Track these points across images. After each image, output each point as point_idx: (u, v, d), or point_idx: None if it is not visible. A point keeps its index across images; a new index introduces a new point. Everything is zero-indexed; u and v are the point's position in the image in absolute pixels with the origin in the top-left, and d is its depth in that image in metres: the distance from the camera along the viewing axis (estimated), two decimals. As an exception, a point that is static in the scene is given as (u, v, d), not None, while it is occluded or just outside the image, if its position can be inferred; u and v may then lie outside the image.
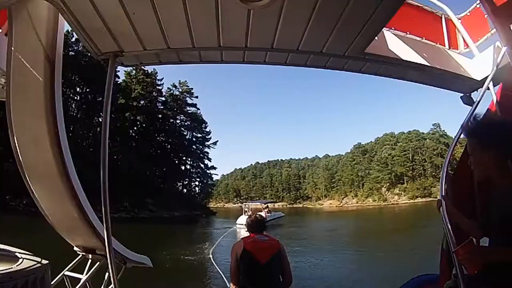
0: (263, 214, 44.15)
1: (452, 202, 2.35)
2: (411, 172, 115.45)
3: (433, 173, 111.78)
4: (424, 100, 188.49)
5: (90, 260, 3.60)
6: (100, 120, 61.51)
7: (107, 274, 3.41)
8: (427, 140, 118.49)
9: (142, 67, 65.68)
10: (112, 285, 2.80)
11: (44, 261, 2.82)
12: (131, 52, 2.89)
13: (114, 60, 2.87)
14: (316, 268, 16.06)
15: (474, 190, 2.64)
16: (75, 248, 3.62)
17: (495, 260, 1.62)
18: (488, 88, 2.78)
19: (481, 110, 2.46)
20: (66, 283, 3.49)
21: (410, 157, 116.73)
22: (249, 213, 44.87)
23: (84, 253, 3.60)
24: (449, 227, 2.10)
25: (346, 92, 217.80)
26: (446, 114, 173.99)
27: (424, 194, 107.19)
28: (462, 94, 3.68)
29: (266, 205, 50.94)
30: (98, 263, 3.54)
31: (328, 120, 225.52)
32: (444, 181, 2.52)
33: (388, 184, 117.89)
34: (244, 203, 58.47)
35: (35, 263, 2.61)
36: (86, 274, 3.47)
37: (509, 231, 1.68)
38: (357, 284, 13.56)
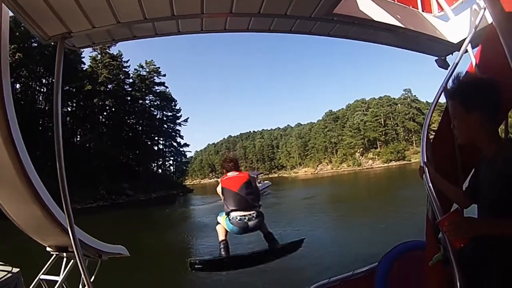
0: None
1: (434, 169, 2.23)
2: (383, 136, 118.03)
3: (406, 137, 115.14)
4: (395, 67, 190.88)
5: (65, 259, 3.44)
6: (69, 109, 60.34)
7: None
8: (399, 105, 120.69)
9: (107, 49, 65.06)
10: (89, 280, 2.66)
11: (15, 269, 2.67)
12: (80, 32, 2.65)
13: (62, 43, 2.63)
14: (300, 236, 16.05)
15: (456, 156, 2.56)
16: (48, 249, 3.44)
17: (483, 233, 1.48)
18: (467, 51, 2.69)
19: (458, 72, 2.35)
20: (43, 287, 3.33)
21: (382, 122, 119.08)
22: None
23: (57, 252, 3.43)
24: (434, 195, 1.96)
25: (315, 61, 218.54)
26: (417, 80, 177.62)
27: (398, 158, 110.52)
28: (436, 58, 3.59)
29: (256, 176, 52.01)
30: (72, 261, 3.39)
31: (298, 89, 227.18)
32: (425, 146, 2.39)
33: (361, 149, 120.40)
34: None
35: (5, 273, 2.45)
36: (61, 275, 3.31)
37: (498, 201, 1.56)
38: (344, 247, 13.72)
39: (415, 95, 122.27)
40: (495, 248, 1.55)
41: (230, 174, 5.63)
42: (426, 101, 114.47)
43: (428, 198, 2.12)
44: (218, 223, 5.71)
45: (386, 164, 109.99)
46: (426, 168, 2.18)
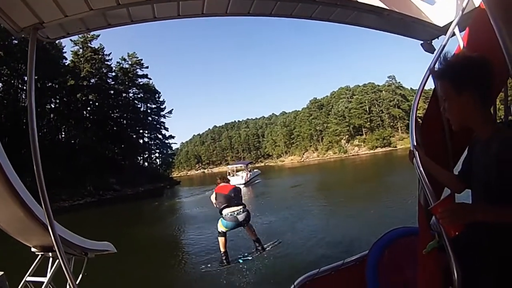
0: (244, 173, 50.68)
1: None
2: (369, 123, 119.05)
3: (391, 124, 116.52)
4: (379, 54, 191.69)
5: (51, 259, 3.36)
6: (53, 106, 59.63)
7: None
8: (383, 92, 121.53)
9: (88, 43, 64.28)
10: (74, 279, 2.59)
11: None
12: (53, 21, 2.53)
13: (35, 34, 2.51)
14: (292, 224, 15.97)
15: (445, 141, 2.52)
16: (33, 249, 3.35)
17: (478, 219, 1.41)
18: (454, 34, 2.65)
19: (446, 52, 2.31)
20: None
21: (367, 109, 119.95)
22: (232, 174, 50.56)
23: (42, 253, 3.34)
24: (426, 179, 1.89)
25: (297, 49, 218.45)
26: (401, 67, 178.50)
27: (384, 144, 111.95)
28: (422, 42, 3.55)
29: (246, 165, 57.28)
30: (57, 260, 3.31)
31: (282, 78, 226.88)
32: (414, 130, 2.32)
33: (347, 136, 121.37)
34: (229, 166, 65.07)
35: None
36: (47, 276, 3.22)
37: (493, 186, 1.51)
38: (336, 228, 13.84)
39: (399, 82, 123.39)
40: (492, 236, 1.52)
41: (221, 184, 8.36)
42: (411, 88, 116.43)
43: (420, 183, 2.06)
44: (218, 232, 7.85)
45: (372, 151, 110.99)
46: (416, 152, 2.10)
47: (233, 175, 50.98)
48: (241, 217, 7.58)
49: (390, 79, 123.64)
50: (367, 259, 2.83)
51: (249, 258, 8.51)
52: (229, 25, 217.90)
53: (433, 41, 3.44)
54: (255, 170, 62.39)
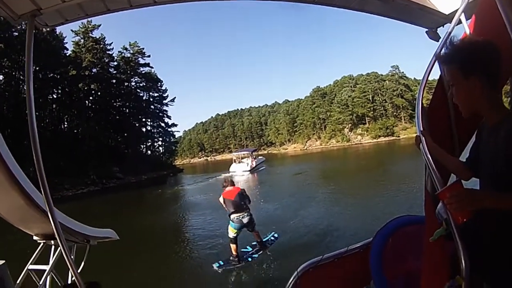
0: (249, 160, 51.38)
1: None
2: (372, 112, 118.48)
3: (394, 113, 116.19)
4: (382, 42, 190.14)
5: (53, 247, 3.34)
6: (55, 96, 59.66)
7: (72, 257, 3.22)
8: (386, 81, 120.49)
9: (89, 33, 64.05)
10: (75, 266, 2.57)
11: (0, 261, 2.57)
12: (50, 7, 2.46)
13: (33, 21, 2.45)
14: (297, 211, 15.89)
15: (451, 128, 2.48)
16: (35, 237, 3.34)
17: (487, 206, 1.35)
18: (460, 21, 2.59)
19: (452, 37, 2.26)
20: (33, 277, 3.23)
21: (370, 98, 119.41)
22: (238, 161, 52.53)
23: (44, 241, 3.33)
24: (433, 165, 1.84)
25: (301, 38, 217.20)
26: (404, 57, 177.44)
27: (387, 134, 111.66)
28: (427, 30, 3.48)
29: (251, 153, 57.90)
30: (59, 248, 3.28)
31: (285, 66, 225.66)
32: (420, 115, 2.27)
33: (350, 125, 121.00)
34: (234, 153, 65.77)
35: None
36: (50, 263, 3.21)
37: (501, 174, 1.46)
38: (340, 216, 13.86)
39: (403, 72, 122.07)
40: (500, 223, 1.47)
41: (227, 188, 9.46)
42: (414, 78, 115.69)
43: (426, 169, 2.02)
44: (229, 238, 9.26)
45: (375, 140, 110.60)
46: (423, 137, 2.05)
47: (239, 162, 52.18)
48: (245, 220, 9.15)
49: (394, 69, 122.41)
50: (371, 246, 2.81)
51: (255, 256, 9.70)
52: (231, 8, 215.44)
53: (438, 29, 3.37)
54: (259, 157, 63.10)
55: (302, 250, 9.80)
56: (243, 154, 59.48)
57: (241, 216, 9.08)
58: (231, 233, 9.16)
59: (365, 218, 12.24)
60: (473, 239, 1.56)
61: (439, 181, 1.74)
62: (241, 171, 45.72)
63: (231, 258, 9.31)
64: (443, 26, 3.29)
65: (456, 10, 2.69)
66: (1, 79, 49.93)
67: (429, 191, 2.13)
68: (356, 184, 24.61)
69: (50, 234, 3.21)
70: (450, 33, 2.62)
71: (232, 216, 9.10)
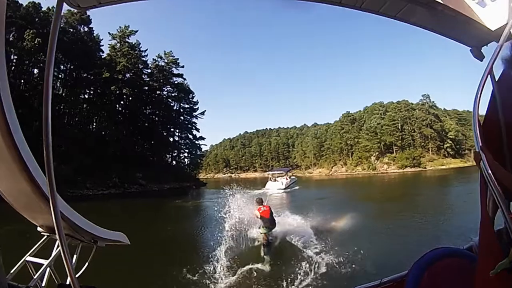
0: (284, 179, 53.89)
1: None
2: (400, 141, 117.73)
3: (422, 144, 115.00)
4: (413, 71, 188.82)
5: (57, 242, 3.16)
6: (87, 96, 61.31)
7: (75, 256, 3.12)
8: (416, 110, 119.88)
9: (126, 38, 65.82)
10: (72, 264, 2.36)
11: None
12: None
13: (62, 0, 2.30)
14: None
15: (503, 143, 2.22)
16: (39, 229, 3.16)
17: None
18: (509, 38, 2.37)
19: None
20: (30, 270, 3.04)
21: (399, 126, 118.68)
22: (273, 179, 55.20)
23: (48, 234, 3.15)
24: (495, 183, 1.64)
25: (334, 61, 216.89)
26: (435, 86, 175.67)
27: (413, 164, 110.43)
28: (471, 48, 3.24)
29: (286, 172, 61.87)
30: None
31: (316, 89, 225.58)
32: (478, 132, 2.06)
33: (377, 153, 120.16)
34: (268, 172, 70.64)
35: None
36: (50, 258, 3.02)
37: None
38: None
39: (433, 101, 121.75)
40: None
41: (261, 208, 13.35)
42: (444, 108, 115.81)
43: (482, 190, 1.78)
44: (260, 233, 13.29)
45: (401, 170, 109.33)
46: (483, 154, 1.83)
47: (274, 180, 53.96)
48: (272, 231, 13.50)
49: (424, 98, 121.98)
50: (406, 279, 2.53)
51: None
52: (278, 26, 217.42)
53: (482, 48, 3.14)
54: (292, 177, 64.43)
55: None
56: (278, 173, 61.39)
57: (270, 229, 13.30)
58: (262, 230, 13.14)
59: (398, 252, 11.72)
60: None
61: (503, 201, 1.52)
62: (275, 189, 46.30)
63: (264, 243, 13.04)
64: (487, 46, 3.14)
65: (503, 27, 2.58)
66: (36, 73, 51.69)
67: (490, 213, 1.83)
68: (387, 212, 23.96)
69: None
70: (501, 46, 2.39)
71: (265, 227, 13.09)
